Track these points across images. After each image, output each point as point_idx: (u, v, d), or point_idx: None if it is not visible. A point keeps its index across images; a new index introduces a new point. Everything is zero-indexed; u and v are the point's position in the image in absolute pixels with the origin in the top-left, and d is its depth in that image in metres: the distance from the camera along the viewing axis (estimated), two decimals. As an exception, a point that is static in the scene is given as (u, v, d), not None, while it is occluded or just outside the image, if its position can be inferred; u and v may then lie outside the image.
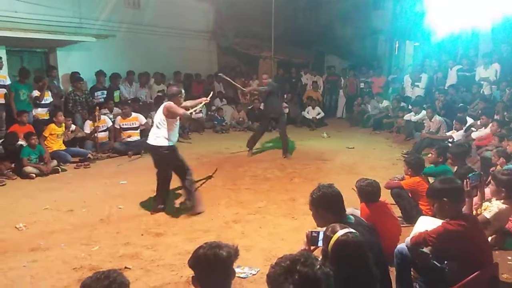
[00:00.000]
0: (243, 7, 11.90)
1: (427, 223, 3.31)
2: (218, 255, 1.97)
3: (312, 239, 2.53)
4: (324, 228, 2.42)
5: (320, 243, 2.47)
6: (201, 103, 5.54)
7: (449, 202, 2.73)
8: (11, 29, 7.57)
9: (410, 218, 4.26)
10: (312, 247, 2.54)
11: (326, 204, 2.70)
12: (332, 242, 2.19)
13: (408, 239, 2.99)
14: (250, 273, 3.49)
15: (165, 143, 4.87)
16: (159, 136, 4.87)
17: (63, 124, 7.50)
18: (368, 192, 3.53)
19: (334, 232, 2.23)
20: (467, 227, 2.68)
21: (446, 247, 2.77)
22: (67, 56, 9.23)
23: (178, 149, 5.10)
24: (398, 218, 4.26)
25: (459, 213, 2.77)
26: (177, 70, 11.39)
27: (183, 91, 5.17)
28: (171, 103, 4.90)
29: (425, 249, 2.90)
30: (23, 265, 3.71)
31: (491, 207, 3.51)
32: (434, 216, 4.10)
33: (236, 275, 3.39)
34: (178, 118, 4.99)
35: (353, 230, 2.26)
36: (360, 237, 2.24)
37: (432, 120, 8.56)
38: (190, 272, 2.06)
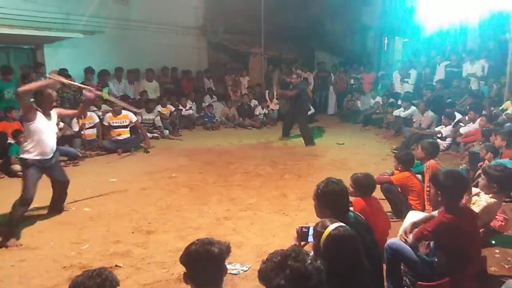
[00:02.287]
0: (233, 3, 11.86)
1: (416, 218, 3.35)
2: (210, 252, 1.96)
3: (302, 235, 2.53)
4: (313, 224, 2.43)
5: (310, 239, 2.46)
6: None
7: (449, 195, 2.77)
8: (-3, 25, 7.45)
9: (400, 213, 4.30)
10: (302, 243, 2.54)
11: (331, 201, 2.67)
12: (323, 237, 2.17)
13: (401, 234, 3.04)
14: (242, 270, 3.49)
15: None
16: None
17: None
18: (365, 185, 3.53)
19: (325, 227, 2.21)
20: (462, 220, 2.72)
21: (441, 239, 2.80)
22: (55, 53, 9.10)
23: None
24: (388, 213, 4.30)
25: (456, 205, 2.81)
26: (166, 66, 11.33)
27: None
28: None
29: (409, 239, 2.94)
30: (12, 264, 3.66)
31: (480, 201, 3.56)
32: (423, 210, 4.16)
33: (228, 271, 3.43)
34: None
35: (343, 224, 2.25)
36: (351, 231, 2.23)
37: (424, 114, 8.63)
38: (181, 270, 2.06)
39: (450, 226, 2.71)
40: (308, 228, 2.51)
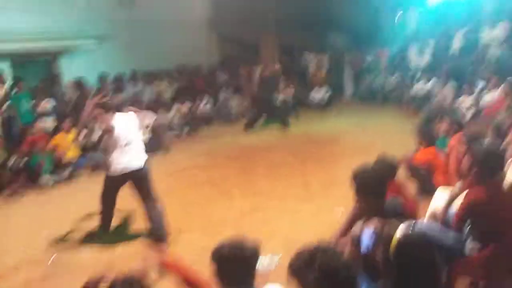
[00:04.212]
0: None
1: (444, 196, 3.27)
2: (244, 255, 1.94)
3: (355, 242, 2.34)
4: (363, 227, 2.32)
5: (364, 244, 2.28)
6: None
7: (481, 169, 2.67)
8: (13, 41, 7.62)
9: (427, 191, 4.21)
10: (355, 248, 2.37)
11: (369, 187, 2.60)
12: (393, 247, 1.90)
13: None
14: (272, 262, 3.47)
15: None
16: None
17: (73, 132, 7.56)
18: (387, 168, 3.43)
19: (391, 234, 1.94)
20: (493, 195, 2.60)
21: (474, 216, 2.65)
22: (70, 63, 9.26)
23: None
24: (414, 193, 4.22)
25: (490, 180, 2.67)
26: (178, 63, 11.35)
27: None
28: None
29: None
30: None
31: (510, 176, 3.44)
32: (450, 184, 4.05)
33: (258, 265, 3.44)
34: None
35: (411, 226, 1.99)
36: (423, 230, 2.02)
37: (446, 87, 8.38)
38: (208, 270, 2.05)
39: (482, 202, 2.59)
40: (360, 234, 2.33)
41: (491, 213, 2.57)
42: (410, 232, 1.94)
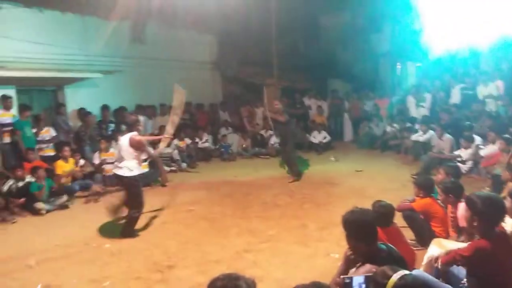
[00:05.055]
0: (245, 37, 12.16)
1: (440, 246, 3.27)
2: (238, 286, 1.92)
3: (345, 286, 2.30)
4: (355, 273, 2.29)
5: None
6: (160, 140, 5.87)
7: (486, 221, 2.71)
8: (20, 69, 7.78)
9: (423, 240, 4.18)
10: None
11: (359, 233, 2.58)
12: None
13: (424, 262, 2.97)
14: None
15: (130, 173, 5.12)
16: (125, 166, 5.14)
17: (71, 160, 7.59)
18: (383, 214, 3.48)
19: (387, 277, 1.97)
20: (498, 246, 2.66)
21: (475, 266, 2.73)
22: (75, 93, 9.41)
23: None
24: (411, 241, 4.20)
25: (493, 231, 2.74)
26: (182, 101, 11.53)
27: (141, 119, 5.42)
28: (135, 135, 5.19)
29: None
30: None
31: (505, 227, 3.45)
32: (446, 237, 4.05)
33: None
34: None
35: (406, 271, 2.04)
36: (418, 278, 2.04)
37: (443, 138, 8.52)
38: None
39: (486, 252, 2.63)
40: (351, 278, 2.30)
41: (495, 262, 2.59)
42: (406, 276, 1.96)
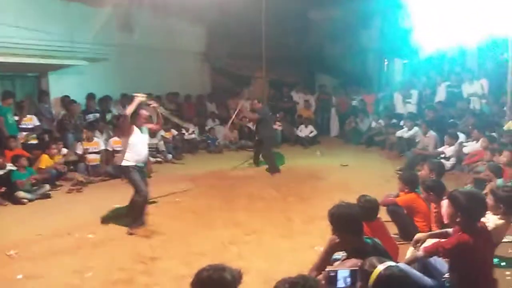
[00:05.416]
0: (234, 28, 12.06)
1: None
2: (224, 279, 1.93)
3: (330, 280, 2.30)
4: (340, 266, 2.31)
5: (340, 284, 2.27)
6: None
7: (469, 216, 2.76)
8: (3, 54, 7.58)
9: (407, 235, 4.24)
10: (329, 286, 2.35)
11: (345, 227, 2.62)
12: (373, 277, 2.01)
13: (407, 256, 3.01)
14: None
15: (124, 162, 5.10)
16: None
17: (57, 156, 7.48)
18: (368, 209, 3.51)
19: (374, 266, 2.04)
20: (479, 241, 2.71)
21: (456, 257, 2.77)
22: (59, 80, 9.22)
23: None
24: (394, 236, 4.26)
25: (475, 226, 2.79)
26: (169, 91, 11.43)
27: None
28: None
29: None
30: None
31: (488, 223, 3.51)
32: (430, 230, 4.11)
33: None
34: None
35: (393, 263, 2.10)
36: (403, 270, 2.09)
37: (427, 135, 8.63)
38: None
39: (468, 246, 2.69)
40: (336, 271, 2.31)
41: (476, 257, 2.64)
42: (390, 266, 2.02)
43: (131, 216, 5.12)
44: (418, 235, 3.38)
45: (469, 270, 2.68)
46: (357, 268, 2.22)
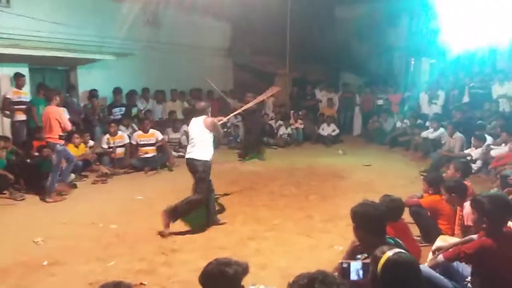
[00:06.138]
0: (259, 25, 12.06)
1: (445, 243, 3.25)
2: (224, 273, 1.99)
3: (343, 272, 2.34)
4: (351, 260, 2.32)
5: (352, 276, 2.30)
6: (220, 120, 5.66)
7: (493, 220, 2.69)
8: (34, 48, 7.81)
9: (429, 237, 4.16)
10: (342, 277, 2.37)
11: (368, 226, 2.60)
12: (382, 262, 2.03)
13: (430, 258, 2.96)
14: (265, 291, 3.44)
15: (208, 157, 5.01)
16: (198, 150, 4.97)
17: (82, 145, 7.65)
18: (392, 209, 3.45)
19: (383, 252, 2.07)
20: (505, 245, 2.63)
21: (477, 262, 2.71)
22: (87, 74, 9.45)
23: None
24: (416, 238, 4.18)
25: (500, 230, 2.72)
26: (193, 87, 11.54)
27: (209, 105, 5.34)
28: (212, 119, 5.08)
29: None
30: (41, 279, 3.75)
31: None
32: (452, 235, 4.03)
33: (252, 293, 3.39)
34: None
35: (403, 250, 2.13)
36: (412, 257, 2.10)
37: (454, 137, 8.42)
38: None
39: (491, 251, 2.61)
40: (349, 263, 2.33)
41: (501, 262, 2.57)
42: (399, 252, 2.04)
43: (181, 208, 4.85)
44: (438, 244, 3.31)
45: (492, 275, 2.61)
46: (369, 261, 2.22)
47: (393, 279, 1.98)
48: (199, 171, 4.92)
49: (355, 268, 2.31)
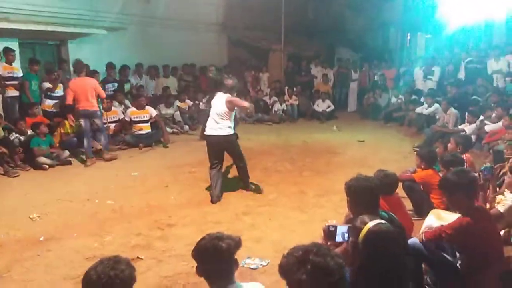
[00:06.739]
0: (253, 0, 11.84)
1: (438, 217, 3.30)
2: (217, 247, 2.00)
3: (329, 234, 2.42)
4: (339, 223, 2.36)
5: (338, 238, 2.37)
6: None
7: (463, 196, 2.71)
8: (24, 22, 7.63)
9: (422, 211, 4.23)
10: (329, 242, 2.47)
11: (360, 197, 2.64)
12: (363, 233, 2.07)
13: (420, 234, 2.99)
14: (261, 264, 3.50)
15: (233, 131, 5.21)
16: (225, 127, 5.12)
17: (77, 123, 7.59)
18: (386, 184, 3.48)
19: (364, 222, 2.10)
20: (480, 221, 2.66)
21: (459, 242, 2.75)
22: (78, 49, 9.28)
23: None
24: (409, 212, 4.24)
25: (472, 206, 2.75)
26: (186, 62, 11.39)
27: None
28: (232, 97, 5.13)
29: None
30: (38, 254, 3.78)
31: (505, 201, 3.48)
32: (446, 209, 4.08)
33: (247, 266, 3.46)
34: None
35: (384, 221, 2.16)
36: (392, 228, 2.13)
37: (448, 112, 8.44)
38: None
39: (470, 228, 2.64)
40: (336, 226, 2.40)
41: (481, 238, 2.62)
42: (379, 223, 2.08)
43: (245, 181, 5.48)
44: (430, 218, 3.35)
45: (476, 252, 2.65)
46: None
47: (373, 250, 2.02)
48: (233, 145, 5.26)
49: (341, 231, 2.40)
